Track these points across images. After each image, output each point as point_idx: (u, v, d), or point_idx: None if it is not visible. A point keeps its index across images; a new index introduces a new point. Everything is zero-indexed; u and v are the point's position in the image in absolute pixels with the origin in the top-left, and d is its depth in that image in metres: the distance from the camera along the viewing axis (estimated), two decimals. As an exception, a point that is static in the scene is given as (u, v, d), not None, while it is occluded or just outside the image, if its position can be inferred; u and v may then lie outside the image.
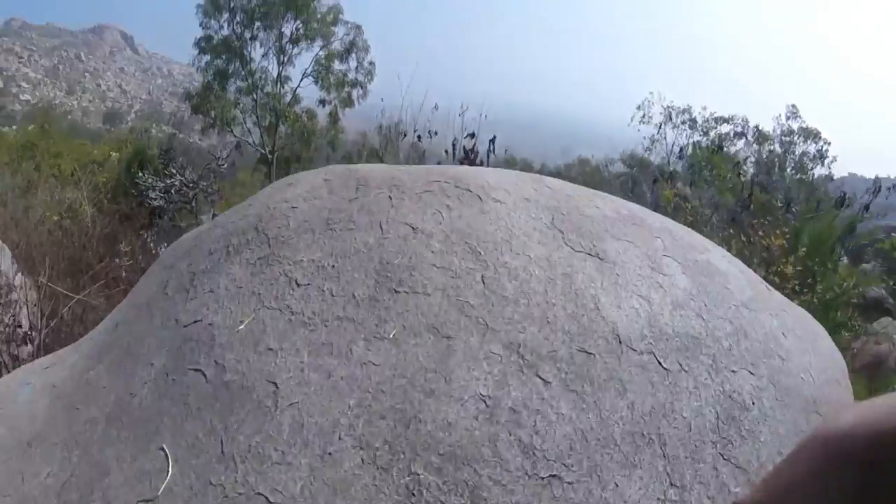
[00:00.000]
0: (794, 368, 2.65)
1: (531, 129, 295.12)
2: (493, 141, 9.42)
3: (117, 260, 9.92)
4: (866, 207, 12.24)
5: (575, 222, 2.89)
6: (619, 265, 2.73)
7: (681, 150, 36.23)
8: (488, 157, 9.56)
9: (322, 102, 24.21)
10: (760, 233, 8.38)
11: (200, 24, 23.25)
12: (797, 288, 7.73)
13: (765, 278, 8.00)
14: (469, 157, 8.95)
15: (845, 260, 10.72)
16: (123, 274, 9.10)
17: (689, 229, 3.69)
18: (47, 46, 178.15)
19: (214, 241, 2.96)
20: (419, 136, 10.91)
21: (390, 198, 2.84)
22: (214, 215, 20.36)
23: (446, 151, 11.88)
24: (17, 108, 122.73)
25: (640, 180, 39.08)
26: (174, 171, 19.11)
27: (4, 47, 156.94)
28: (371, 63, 24.22)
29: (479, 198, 2.84)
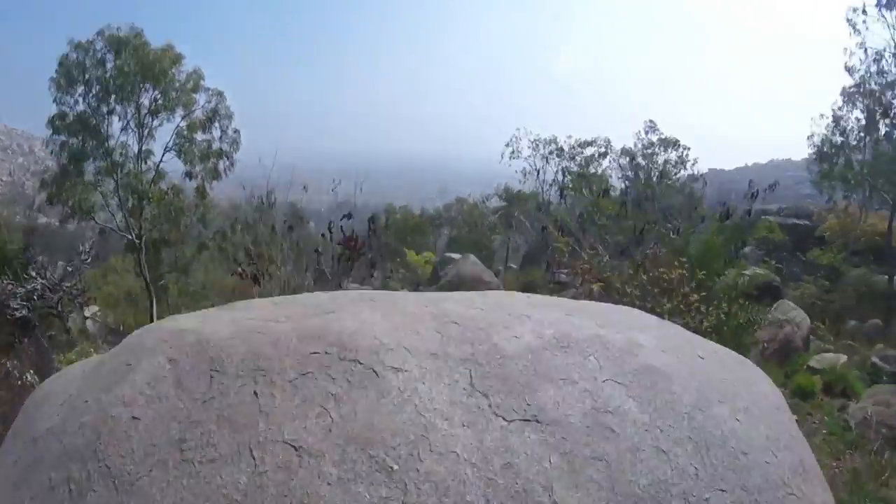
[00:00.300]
0: (758, 460, 2.49)
1: (405, 174, 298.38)
2: (371, 220, 8.91)
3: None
4: (748, 212, 12.67)
5: (497, 373, 2.45)
6: (562, 424, 2.35)
7: (561, 191, 37.45)
8: (369, 238, 9.11)
9: (188, 175, 22.86)
10: (661, 270, 8.30)
11: (54, 100, 21.34)
12: (700, 307, 7.75)
13: (673, 309, 7.76)
14: (351, 245, 8.41)
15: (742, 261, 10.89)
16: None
17: (607, 308, 3.62)
18: None
19: (54, 467, 2.31)
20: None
21: (256, 393, 2.20)
22: (85, 319, 18.59)
23: (323, 235, 11.26)
24: None
25: (515, 213, 40.14)
26: (34, 274, 17.35)
27: None
28: (236, 131, 23.08)
29: (375, 372, 2.27)
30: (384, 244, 45.56)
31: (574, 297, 8.39)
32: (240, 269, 9.11)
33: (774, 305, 12.40)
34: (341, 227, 8.84)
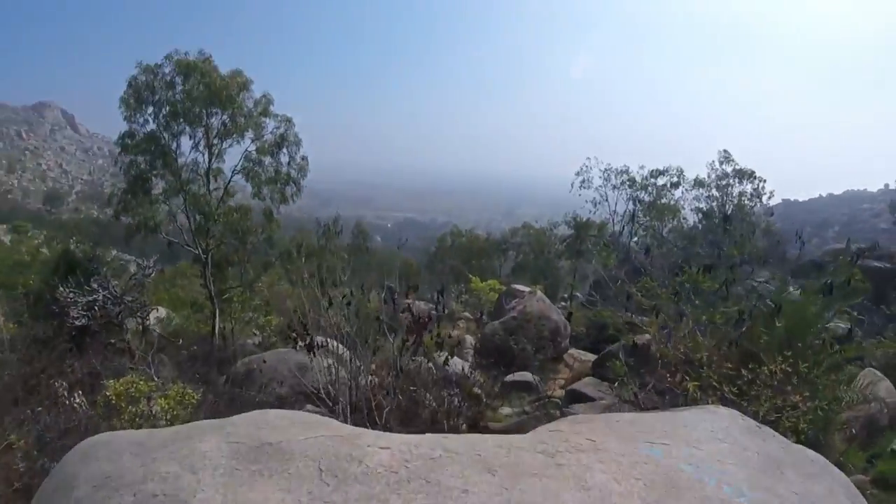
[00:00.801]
0: None
1: (475, 195, 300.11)
2: (440, 292, 8.59)
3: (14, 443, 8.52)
4: (854, 260, 11.77)
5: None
6: None
7: (633, 226, 36.48)
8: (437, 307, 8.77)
9: (256, 195, 22.98)
10: (762, 367, 7.68)
11: (124, 118, 21.78)
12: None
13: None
14: (419, 328, 8.06)
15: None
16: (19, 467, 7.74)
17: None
18: None
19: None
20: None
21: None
22: (145, 329, 18.82)
23: (385, 301, 11.00)
24: None
25: (584, 244, 39.20)
26: (96, 286, 17.65)
27: None
28: (304, 158, 23.11)
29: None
30: (450, 267, 45.35)
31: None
32: (293, 335, 8.82)
33: (859, 375, 11.41)
34: (411, 311, 8.35)
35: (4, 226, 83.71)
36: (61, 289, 17.49)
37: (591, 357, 20.16)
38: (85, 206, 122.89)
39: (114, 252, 37.41)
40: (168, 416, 8.48)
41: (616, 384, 9.81)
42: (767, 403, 7.17)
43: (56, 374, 11.21)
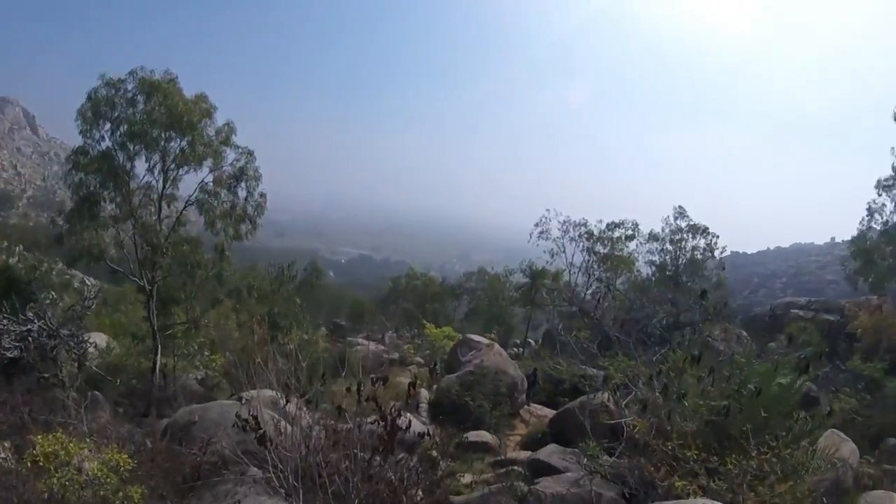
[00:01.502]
0: None
1: (431, 235, 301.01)
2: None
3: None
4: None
5: None
6: None
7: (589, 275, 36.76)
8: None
9: (210, 228, 21.96)
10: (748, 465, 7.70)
11: (80, 132, 20.61)
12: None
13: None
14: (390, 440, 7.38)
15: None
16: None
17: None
18: None
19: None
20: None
21: None
22: (80, 365, 17.53)
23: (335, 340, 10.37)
24: None
25: (538, 292, 39.30)
26: (32, 316, 16.46)
27: None
28: (262, 195, 22.18)
29: None
30: (402, 309, 44.91)
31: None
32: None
33: (822, 437, 11.27)
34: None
35: None
36: None
37: (548, 412, 19.75)
38: (35, 212, 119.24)
39: (59, 265, 35.75)
40: (100, 485, 7.95)
41: (585, 458, 9.43)
42: (752, 494, 7.04)
43: None
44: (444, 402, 19.38)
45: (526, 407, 21.06)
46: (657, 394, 9.08)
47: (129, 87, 20.63)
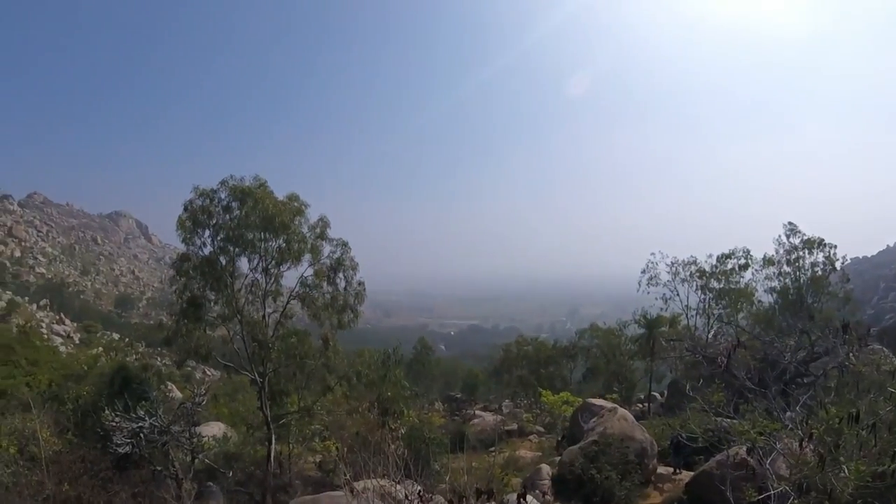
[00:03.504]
0: None
1: (536, 298, 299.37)
2: None
3: None
4: None
5: None
6: None
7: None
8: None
9: (314, 318, 22.28)
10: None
11: (182, 241, 21.62)
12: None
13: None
14: None
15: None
16: None
17: None
18: (65, 225, 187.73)
19: None
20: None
21: None
22: (193, 459, 17.81)
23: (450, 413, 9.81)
24: (32, 279, 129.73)
25: (656, 342, 37.19)
26: (143, 414, 16.98)
27: (25, 219, 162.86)
28: (360, 283, 22.50)
29: None
30: (517, 377, 43.64)
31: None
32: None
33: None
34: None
35: (75, 324, 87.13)
36: (107, 412, 17.11)
37: (683, 475, 18.26)
38: (154, 311, 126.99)
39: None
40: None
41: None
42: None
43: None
44: (569, 477, 18.25)
45: (658, 471, 19.54)
46: (810, 456, 7.83)
47: (223, 195, 21.43)
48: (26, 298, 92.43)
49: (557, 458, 20.89)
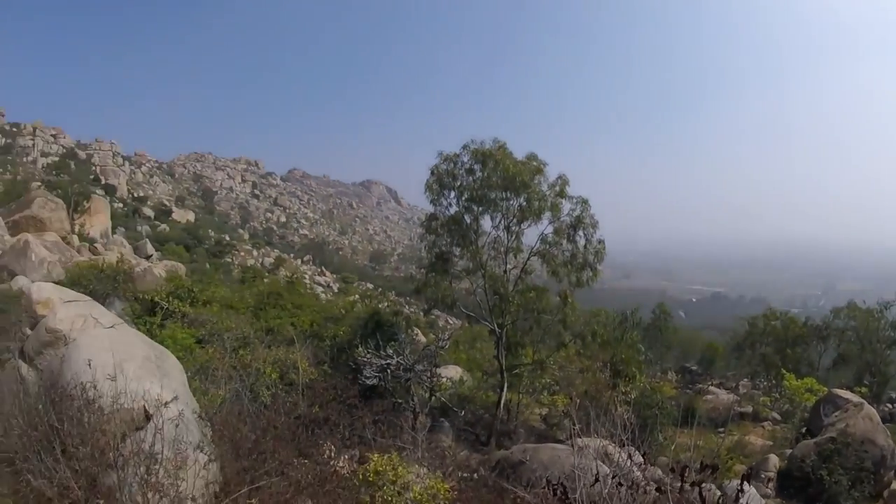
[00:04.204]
0: None
1: (788, 266, 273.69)
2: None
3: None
4: None
5: None
6: None
7: None
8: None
9: (553, 274, 23.19)
10: None
11: (430, 202, 23.77)
12: None
13: None
14: None
15: None
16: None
17: None
18: (323, 194, 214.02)
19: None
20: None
21: None
22: (431, 396, 20.04)
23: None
24: (296, 239, 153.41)
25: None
26: (391, 353, 19.29)
27: (288, 190, 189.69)
28: (600, 241, 22.94)
29: None
30: (760, 354, 40.53)
31: None
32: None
33: None
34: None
35: (334, 276, 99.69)
36: (360, 349, 19.83)
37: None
38: (404, 266, 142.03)
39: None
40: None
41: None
42: None
43: (335, 427, 12.19)
44: (796, 474, 17.42)
45: (892, 487, 17.69)
46: None
47: (465, 158, 23.08)
48: (291, 255, 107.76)
49: (788, 451, 19.95)
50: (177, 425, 8.35)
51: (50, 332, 13.47)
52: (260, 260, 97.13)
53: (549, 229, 22.97)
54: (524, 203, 22.63)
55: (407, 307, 41.55)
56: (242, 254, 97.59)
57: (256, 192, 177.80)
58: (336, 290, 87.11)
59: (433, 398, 20.81)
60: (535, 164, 22.83)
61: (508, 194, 22.60)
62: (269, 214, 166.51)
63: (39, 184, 64.46)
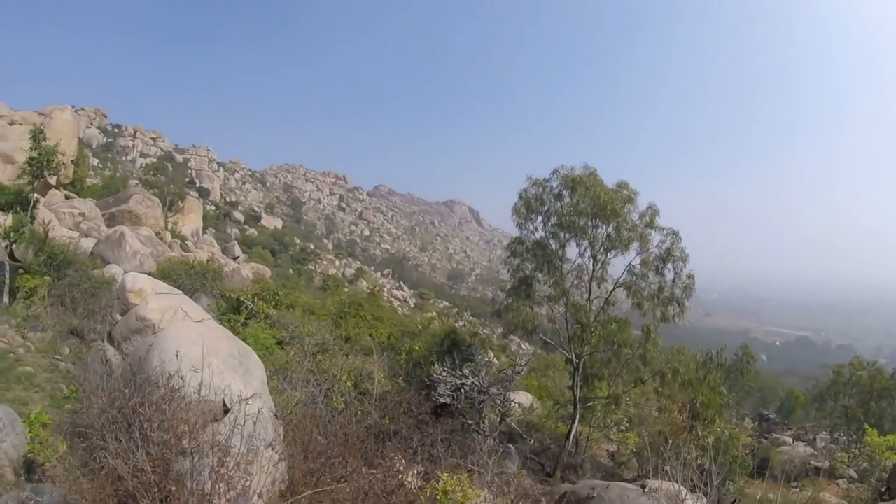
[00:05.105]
0: None
1: (874, 312, 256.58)
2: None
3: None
4: None
5: None
6: None
7: None
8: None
9: (638, 307, 22.69)
10: None
11: (516, 225, 23.76)
12: None
13: None
14: None
15: None
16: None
17: None
18: (407, 211, 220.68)
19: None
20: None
21: None
22: (502, 421, 19.79)
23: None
24: (378, 253, 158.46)
25: None
26: (467, 373, 19.14)
27: (373, 205, 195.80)
28: (690, 276, 22.26)
29: None
30: (842, 406, 38.39)
31: None
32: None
33: None
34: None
35: (412, 291, 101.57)
36: (436, 366, 19.82)
37: None
38: (482, 287, 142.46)
39: (498, 331, 40.45)
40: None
41: None
42: None
43: (405, 441, 12.13)
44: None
45: None
46: None
47: (554, 184, 23.08)
48: (371, 268, 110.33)
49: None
50: (254, 422, 8.50)
51: (140, 320, 14.09)
52: (341, 270, 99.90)
53: (637, 260, 22.57)
54: (612, 232, 22.33)
55: (482, 328, 41.35)
56: (325, 263, 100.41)
57: (343, 205, 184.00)
58: (412, 306, 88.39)
59: (503, 423, 20.56)
60: (626, 192, 22.53)
61: (597, 221, 22.32)
62: (353, 227, 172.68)
63: (137, 182, 67.81)
